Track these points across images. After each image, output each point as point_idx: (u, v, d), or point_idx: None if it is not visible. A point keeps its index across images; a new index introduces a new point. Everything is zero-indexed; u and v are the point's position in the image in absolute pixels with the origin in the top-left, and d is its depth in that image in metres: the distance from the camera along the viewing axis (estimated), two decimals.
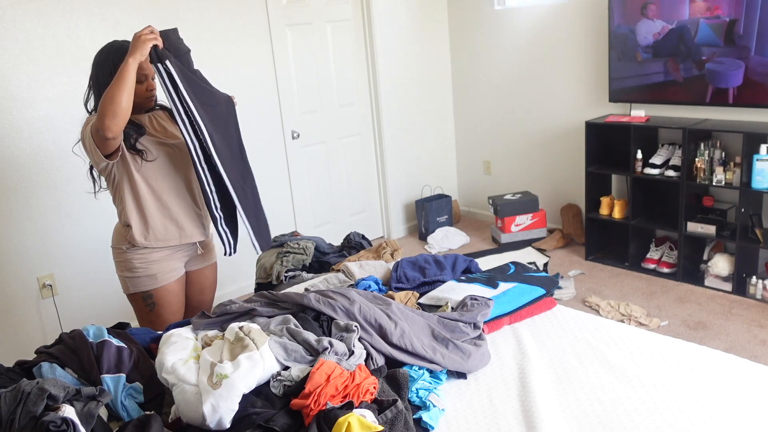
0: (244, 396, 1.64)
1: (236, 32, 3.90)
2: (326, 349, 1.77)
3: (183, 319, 2.50)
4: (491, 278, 2.41)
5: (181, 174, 2.40)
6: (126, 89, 2.04)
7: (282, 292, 2.12)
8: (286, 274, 2.80)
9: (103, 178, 2.37)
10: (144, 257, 2.37)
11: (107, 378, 1.77)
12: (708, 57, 3.58)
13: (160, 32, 2.14)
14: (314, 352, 1.79)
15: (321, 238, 3.11)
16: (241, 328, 1.81)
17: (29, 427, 1.44)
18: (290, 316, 1.95)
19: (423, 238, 4.94)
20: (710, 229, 3.64)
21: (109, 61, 2.22)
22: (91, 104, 2.30)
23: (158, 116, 2.44)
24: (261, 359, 1.69)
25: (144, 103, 2.33)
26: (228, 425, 1.61)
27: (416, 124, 5.03)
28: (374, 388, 1.70)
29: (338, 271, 2.69)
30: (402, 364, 1.88)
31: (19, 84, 3.17)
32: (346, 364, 1.76)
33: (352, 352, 1.81)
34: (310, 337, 1.82)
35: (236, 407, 1.62)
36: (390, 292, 2.32)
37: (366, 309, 1.96)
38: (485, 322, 2.13)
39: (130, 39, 2.37)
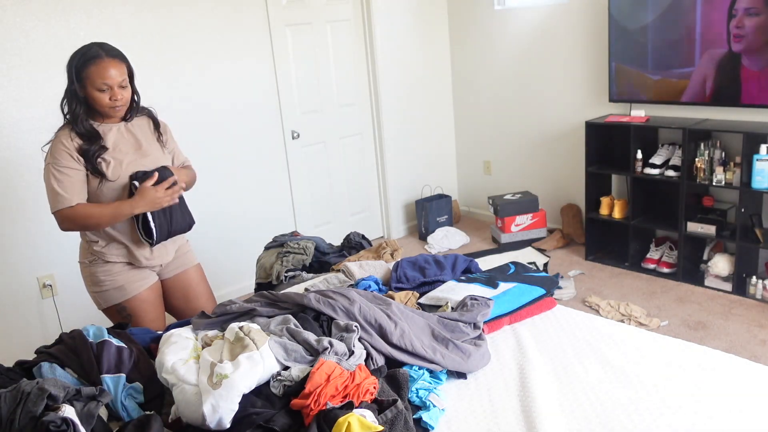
0: (244, 396, 1.64)
1: (236, 32, 3.90)
2: (326, 349, 1.77)
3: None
4: (491, 278, 2.40)
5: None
6: (111, 222, 2.21)
7: (282, 292, 2.12)
8: (286, 274, 2.79)
9: None
10: (108, 269, 2.31)
11: (107, 378, 1.77)
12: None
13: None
14: (314, 352, 1.79)
15: (321, 238, 3.11)
16: (241, 328, 1.81)
17: (29, 427, 1.44)
18: (290, 316, 1.95)
19: (423, 238, 4.93)
20: (710, 229, 3.63)
21: (70, 68, 2.17)
22: (65, 107, 2.24)
23: (134, 127, 2.32)
24: (261, 359, 1.69)
25: (107, 112, 2.22)
26: (228, 425, 1.61)
27: (416, 124, 5.03)
28: (374, 388, 1.70)
29: (338, 271, 2.69)
30: (402, 364, 1.88)
31: (19, 84, 3.17)
32: (346, 364, 1.76)
33: (352, 352, 1.81)
34: (310, 337, 1.82)
35: (236, 407, 1.62)
36: (390, 292, 2.32)
37: (366, 309, 1.96)
38: (485, 322, 2.12)
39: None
